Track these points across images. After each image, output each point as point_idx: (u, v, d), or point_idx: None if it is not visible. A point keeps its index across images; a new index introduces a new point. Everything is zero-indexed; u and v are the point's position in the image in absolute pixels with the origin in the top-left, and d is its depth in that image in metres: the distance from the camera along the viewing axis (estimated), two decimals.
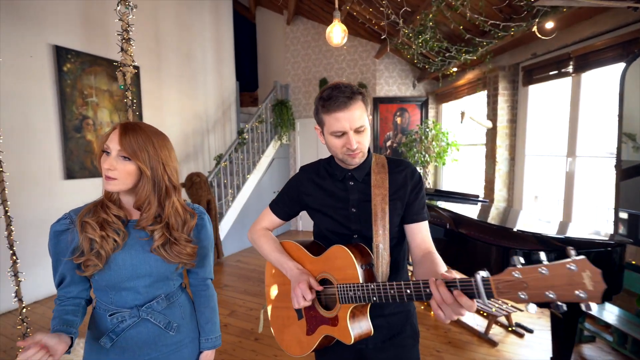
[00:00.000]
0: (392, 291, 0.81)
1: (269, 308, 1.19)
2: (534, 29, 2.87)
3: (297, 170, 1.18)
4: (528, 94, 3.73)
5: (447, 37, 3.79)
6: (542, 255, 0.65)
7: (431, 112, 5.50)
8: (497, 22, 2.97)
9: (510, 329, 2.72)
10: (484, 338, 2.59)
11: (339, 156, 1.00)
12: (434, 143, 4.85)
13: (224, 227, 4.75)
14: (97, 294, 0.98)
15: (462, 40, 3.69)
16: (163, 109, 4.68)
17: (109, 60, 3.91)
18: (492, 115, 3.91)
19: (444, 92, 5.26)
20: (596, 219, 3.17)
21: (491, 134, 3.97)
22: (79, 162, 3.66)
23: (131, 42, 1.58)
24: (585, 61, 2.95)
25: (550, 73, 3.36)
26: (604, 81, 2.96)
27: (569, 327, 1.96)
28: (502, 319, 2.80)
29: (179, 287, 1.06)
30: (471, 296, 0.69)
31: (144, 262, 0.94)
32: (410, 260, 1.31)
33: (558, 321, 2.01)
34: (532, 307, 0.64)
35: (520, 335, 2.65)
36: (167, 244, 0.97)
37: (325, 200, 1.06)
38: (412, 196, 1.02)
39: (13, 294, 1.69)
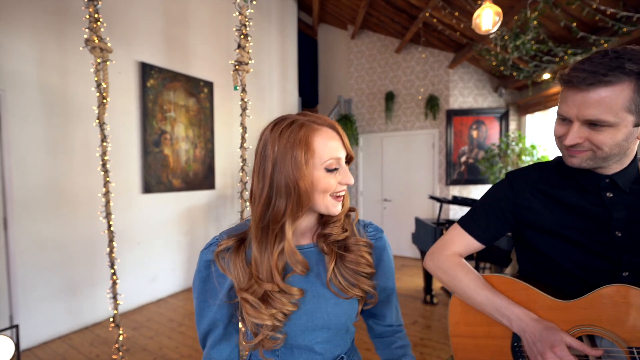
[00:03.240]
0: None
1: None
2: None
3: (504, 179, 0.86)
4: None
5: (551, 38, 3.36)
6: None
7: (512, 125, 4.99)
8: (629, 14, 2.52)
9: None
10: None
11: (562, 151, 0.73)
12: (523, 158, 4.32)
13: None
14: (254, 350, 0.71)
15: (569, 41, 3.25)
16: (232, 125, 4.67)
17: (187, 76, 3.96)
18: None
19: (528, 103, 4.75)
20: None
21: None
22: (155, 176, 3.67)
23: (249, 39, 1.41)
24: None
25: None
26: None
27: None
28: None
29: (352, 342, 0.76)
30: None
31: (319, 306, 0.67)
32: None
33: None
34: None
35: None
36: (342, 264, 0.68)
37: (568, 220, 0.74)
38: None
39: (111, 319, 1.52)
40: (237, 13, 1.41)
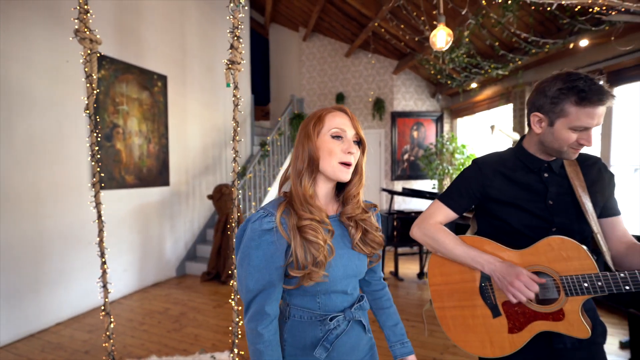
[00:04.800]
0: None
1: (436, 309, 1.14)
2: (571, 45, 3.06)
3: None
4: None
5: (479, 53, 3.96)
6: None
7: (446, 127, 5.67)
8: (537, 39, 3.14)
9: None
10: None
11: (562, 149, 0.95)
12: (456, 156, 4.96)
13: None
14: (295, 300, 0.86)
15: (492, 57, 3.87)
16: (186, 120, 4.58)
17: (140, 68, 3.82)
18: (519, 128, 4.07)
19: (459, 107, 5.45)
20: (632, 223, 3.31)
21: None
22: (107, 172, 3.49)
23: (240, 40, 1.55)
24: (618, 77, 3.15)
25: None
26: (635, 95, 3.16)
27: None
28: None
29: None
30: None
31: (350, 261, 0.86)
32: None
33: (638, 322, 2.05)
34: None
35: None
36: (363, 234, 0.88)
37: (519, 193, 1.03)
38: (609, 189, 1.01)
39: (102, 307, 1.54)
40: (230, 16, 1.54)
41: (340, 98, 5.83)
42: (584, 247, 0.89)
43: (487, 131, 4.25)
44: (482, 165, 1.09)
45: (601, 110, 0.89)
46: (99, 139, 1.61)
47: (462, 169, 4.95)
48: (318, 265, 0.78)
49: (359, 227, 0.88)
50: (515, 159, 1.07)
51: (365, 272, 0.96)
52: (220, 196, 4.07)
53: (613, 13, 2.18)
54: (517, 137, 3.99)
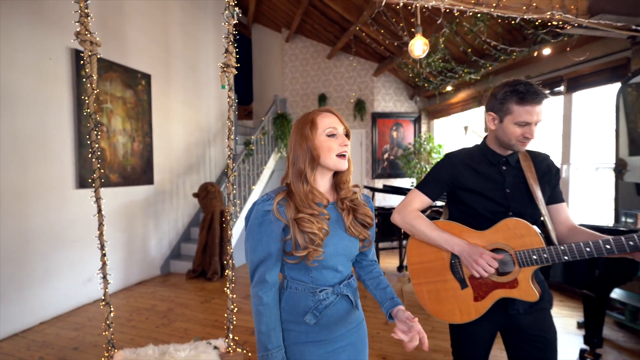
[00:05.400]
0: (587, 249, 0.98)
1: (414, 285, 1.30)
2: (535, 54, 3.34)
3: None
4: None
5: (453, 59, 4.21)
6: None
7: (424, 127, 5.93)
8: (505, 47, 3.40)
9: None
10: None
11: (511, 142, 1.15)
12: (433, 155, 5.22)
13: (233, 239, 4.67)
14: (292, 274, 0.99)
15: (465, 62, 4.13)
16: (170, 119, 4.59)
17: (124, 67, 3.82)
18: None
19: (436, 109, 5.72)
20: (591, 217, 3.64)
21: None
22: (91, 170, 3.46)
23: (235, 46, 1.66)
24: (576, 83, 3.46)
25: None
26: (592, 99, 3.48)
27: (601, 306, 2.26)
28: None
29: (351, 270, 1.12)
30: None
31: (342, 242, 0.99)
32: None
33: (591, 302, 2.30)
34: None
35: None
36: (354, 215, 1.02)
37: (483, 183, 1.21)
38: (555, 181, 1.21)
39: (102, 298, 1.61)
40: (225, 23, 1.65)
41: (322, 99, 5.98)
42: (534, 226, 1.07)
43: (461, 132, 4.51)
44: (453, 158, 1.28)
45: (538, 108, 1.09)
46: (99, 136, 1.68)
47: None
48: (316, 245, 0.93)
49: (350, 210, 1.02)
50: (480, 153, 1.25)
51: (358, 255, 1.10)
52: (206, 194, 4.12)
53: (568, 27, 2.44)
54: None
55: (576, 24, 2.22)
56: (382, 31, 4.29)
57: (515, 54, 3.49)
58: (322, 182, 1.02)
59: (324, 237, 0.95)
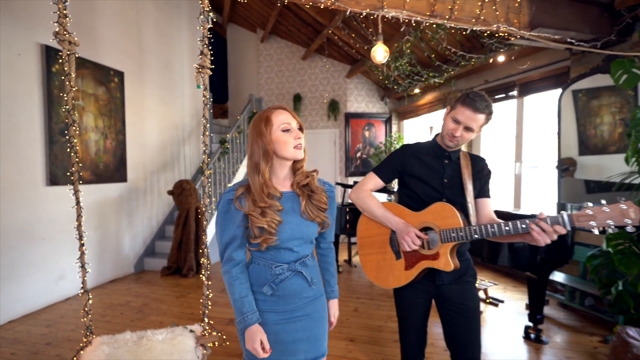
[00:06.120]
0: (491, 229, 1.19)
1: (360, 255, 1.52)
2: (490, 60, 3.65)
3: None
4: None
5: (419, 63, 4.48)
6: (604, 201, 1.07)
7: (394, 127, 6.21)
8: (464, 53, 3.69)
9: (487, 301, 3.30)
10: None
11: (443, 134, 1.37)
12: None
13: (208, 235, 4.72)
14: (256, 253, 1.15)
15: (430, 66, 4.40)
16: (144, 116, 4.59)
17: (95, 64, 3.81)
18: None
19: (405, 110, 6.01)
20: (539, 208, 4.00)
21: None
22: (62, 167, 3.45)
23: (210, 48, 1.78)
24: (527, 88, 3.80)
25: (499, 96, 4.20)
26: (541, 103, 3.84)
27: (542, 286, 2.55)
28: (481, 294, 3.38)
29: (312, 250, 1.26)
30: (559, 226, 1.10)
31: (298, 226, 1.13)
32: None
33: (533, 283, 2.59)
34: (596, 230, 1.07)
35: (496, 305, 3.23)
36: (309, 199, 1.15)
37: (425, 171, 1.41)
38: (485, 179, 1.43)
39: (79, 291, 1.69)
40: (200, 27, 1.77)
41: (297, 99, 6.13)
42: (457, 210, 1.28)
43: (427, 131, 4.80)
44: (405, 149, 1.48)
45: (471, 115, 1.28)
46: (77, 131, 1.75)
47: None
48: (268, 234, 1.07)
49: (305, 194, 1.16)
50: (429, 147, 1.46)
51: (318, 236, 1.26)
52: (181, 191, 4.17)
53: (512, 39, 2.72)
54: None
55: (519, 36, 2.50)
56: (353, 35, 4.50)
57: (473, 60, 3.78)
58: (282, 171, 1.14)
59: (277, 227, 1.08)
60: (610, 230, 1.06)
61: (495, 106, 4.45)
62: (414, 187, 1.43)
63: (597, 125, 3.01)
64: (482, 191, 1.42)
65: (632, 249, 2.26)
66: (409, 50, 4.02)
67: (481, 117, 1.29)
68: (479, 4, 2.28)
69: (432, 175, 1.40)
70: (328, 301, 1.31)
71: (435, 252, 1.30)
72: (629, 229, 1.03)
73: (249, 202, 1.07)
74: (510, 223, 1.18)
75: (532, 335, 2.61)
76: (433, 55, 4.05)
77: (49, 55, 3.29)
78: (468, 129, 1.31)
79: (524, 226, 1.15)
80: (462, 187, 1.37)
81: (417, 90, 5.14)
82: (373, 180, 1.48)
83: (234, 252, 1.11)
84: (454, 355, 1.41)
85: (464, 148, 1.48)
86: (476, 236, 1.23)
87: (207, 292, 1.88)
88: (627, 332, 2.14)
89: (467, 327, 1.37)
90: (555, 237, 1.12)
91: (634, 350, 1.96)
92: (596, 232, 1.07)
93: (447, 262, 1.27)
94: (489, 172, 1.45)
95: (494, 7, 2.31)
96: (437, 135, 1.48)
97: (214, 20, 1.82)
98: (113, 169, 4.07)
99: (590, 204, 1.09)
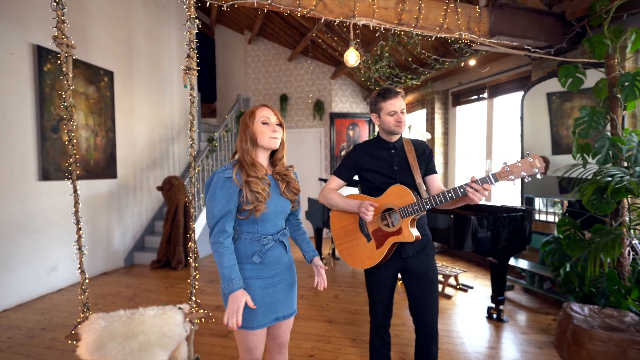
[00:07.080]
0: (438, 198, 1.42)
1: (336, 246, 1.71)
2: (462, 64, 3.91)
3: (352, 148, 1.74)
4: (456, 113, 4.84)
5: (397, 66, 4.73)
6: (518, 158, 1.32)
7: (376, 127, 6.45)
8: (438, 57, 3.95)
9: (457, 287, 3.56)
10: (442, 294, 3.36)
11: (391, 128, 1.57)
12: None
13: (196, 230, 4.88)
14: (243, 228, 1.34)
15: (408, 69, 4.66)
16: (133, 115, 4.73)
17: (86, 63, 3.94)
18: (430, 128, 4.93)
19: None
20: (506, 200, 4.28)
21: (430, 144, 4.98)
22: (54, 163, 3.59)
23: (196, 51, 1.98)
24: (496, 90, 4.09)
25: (471, 97, 4.48)
26: (509, 104, 4.13)
27: (502, 270, 2.81)
28: (452, 281, 3.64)
29: (286, 223, 1.50)
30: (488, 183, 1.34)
31: (279, 202, 1.36)
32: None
33: (495, 267, 2.85)
34: (518, 181, 1.31)
35: (465, 290, 3.50)
36: (287, 185, 1.39)
37: (377, 163, 1.64)
38: (428, 159, 1.67)
39: (78, 266, 1.86)
40: (187, 32, 1.96)
41: (284, 99, 6.32)
42: (409, 190, 1.51)
43: (406, 131, 5.05)
44: (357, 148, 1.71)
45: (397, 101, 1.53)
46: (74, 125, 1.92)
47: None
48: (260, 201, 1.28)
49: (284, 180, 1.39)
50: (375, 142, 1.69)
51: (290, 214, 1.50)
52: (170, 187, 4.32)
53: (473, 45, 2.98)
54: (428, 136, 4.84)
55: (479, 43, 2.76)
56: (336, 38, 4.72)
57: (447, 64, 4.05)
58: (262, 159, 1.37)
59: (267, 198, 1.30)
60: (526, 180, 1.30)
61: (468, 107, 4.82)
62: (371, 178, 1.64)
63: (569, 126, 3.23)
64: (428, 169, 1.66)
65: (576, 235, 2.54)
66: (387, 54, 4.26)
67: (402, 98, 1.55)
68: (442, 13, 2.52)
69: (384, 165, 1.62)
70: (313, 259, 1.49)
71: (398, 228, 1.51)
72: (539, 176, 1.26)
73: (244, 175, 1.28)
74: (451, 190, 1.41)
75: (494, 315, 2.87)
76: (410, 59, 4.30)
77: (41, 54, 3.42)
78: (403, 111, 1.56)
79: (462, 190, 1.38)
80: (410, 169, 1.60)
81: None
82: (334, 181, 1.70)
83: (227, 224, 1.28)
84: (415, 320, 1.63)
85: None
86: (428, 206, 1.44)
87: (195, 273, 2.07)
88: (572, 307, 2.42)
89: (426, 294, 1.60)
90: (486, 193, 1.35)
91: (575, 321, 2.24)
92: (514, 183, 1.31)
93: (409, 234, 1.48)
94: (430, 152, 1.68)
95: (456, 17, 2.55)
96: (378, 132, 1.71)
97: (200, 26, 2.02)
98: (103, 166, 4.20)
99: (507, 162, 1.33)
